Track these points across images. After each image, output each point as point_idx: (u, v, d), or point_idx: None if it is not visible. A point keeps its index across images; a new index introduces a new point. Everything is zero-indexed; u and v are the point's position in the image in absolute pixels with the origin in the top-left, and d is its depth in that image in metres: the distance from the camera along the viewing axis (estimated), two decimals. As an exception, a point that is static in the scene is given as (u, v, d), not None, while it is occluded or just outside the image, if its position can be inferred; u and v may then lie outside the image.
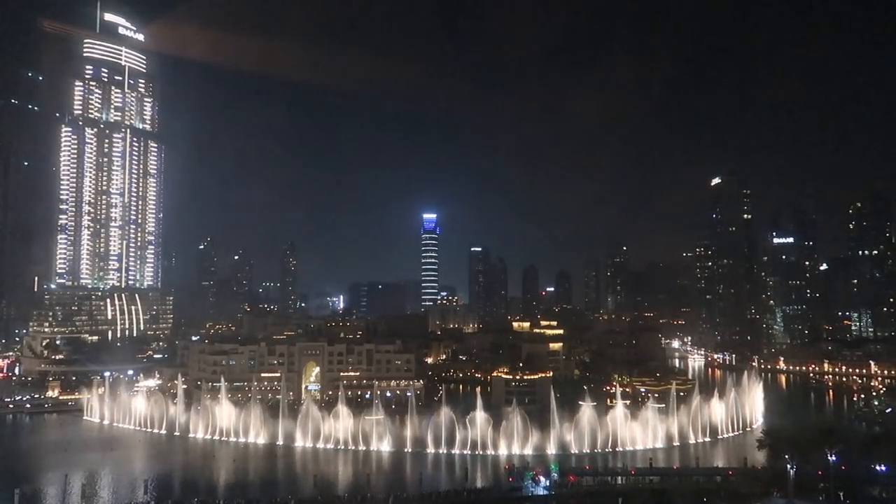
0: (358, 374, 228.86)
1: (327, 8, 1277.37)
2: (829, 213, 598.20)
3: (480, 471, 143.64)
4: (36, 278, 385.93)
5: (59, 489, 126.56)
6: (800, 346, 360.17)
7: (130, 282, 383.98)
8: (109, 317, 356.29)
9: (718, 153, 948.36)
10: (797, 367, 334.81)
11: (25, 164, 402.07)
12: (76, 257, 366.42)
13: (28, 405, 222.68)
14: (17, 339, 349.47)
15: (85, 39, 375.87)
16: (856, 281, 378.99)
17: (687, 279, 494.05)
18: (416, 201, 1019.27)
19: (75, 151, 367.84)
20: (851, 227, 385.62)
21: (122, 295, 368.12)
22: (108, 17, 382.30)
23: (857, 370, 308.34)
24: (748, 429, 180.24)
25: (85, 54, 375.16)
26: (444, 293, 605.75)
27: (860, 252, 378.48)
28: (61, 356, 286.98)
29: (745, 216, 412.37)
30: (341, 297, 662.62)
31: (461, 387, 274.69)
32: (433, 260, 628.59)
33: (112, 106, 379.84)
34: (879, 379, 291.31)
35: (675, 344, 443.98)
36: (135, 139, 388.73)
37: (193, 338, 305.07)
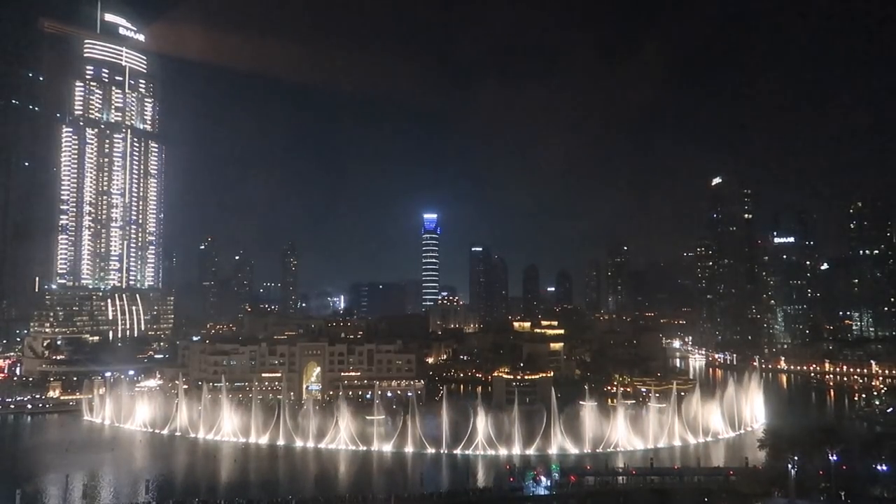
0: (359, 374, 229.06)
1: (327, 8, 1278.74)
2: (829, 212, 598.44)
3: (481, 471, 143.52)
4: (37, 279, 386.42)
5: (61, 489, 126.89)
6: (801, 345, 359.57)
7: (131, 282, 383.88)
8: (110, 317, 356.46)
9: (718, 153, 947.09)
10: (798, 367, 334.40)
11: (26, 164, 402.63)
12: (77, 257, 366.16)
13: (29, 405, 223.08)
14: (18, 339, 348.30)
15: (85, 40, 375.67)
16: (857, 280, 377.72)
17: (688, 279, 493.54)
18: (417, 201, 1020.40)
19: (76, 152, 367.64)
20: (852, 226, 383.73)
21: (123, 295, 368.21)
22: (109, 17, 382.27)
23: (858, 370, 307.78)
24: (749, 428, 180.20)
25: (85, 54, 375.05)
26: (444, 293, 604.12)
27: (861, 251, 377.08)
28: (62, 356, 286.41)
29: (746, 216, 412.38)
30: (342, 297, 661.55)
31: (462, 387, 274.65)
32: (434, 260, 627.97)
33: (112, 106, 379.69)
34: (880, 378, 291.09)
35: (676, 344, 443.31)
36: (135, 139, 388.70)
37: (194, 338, 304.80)
